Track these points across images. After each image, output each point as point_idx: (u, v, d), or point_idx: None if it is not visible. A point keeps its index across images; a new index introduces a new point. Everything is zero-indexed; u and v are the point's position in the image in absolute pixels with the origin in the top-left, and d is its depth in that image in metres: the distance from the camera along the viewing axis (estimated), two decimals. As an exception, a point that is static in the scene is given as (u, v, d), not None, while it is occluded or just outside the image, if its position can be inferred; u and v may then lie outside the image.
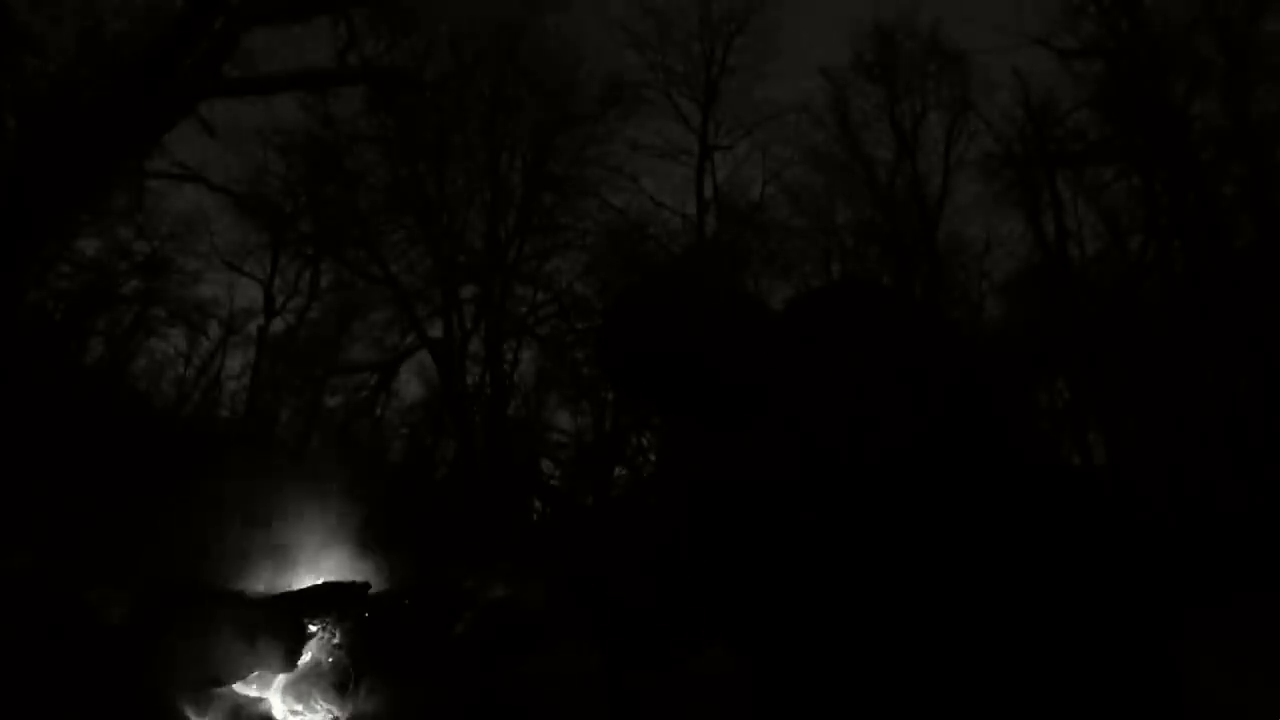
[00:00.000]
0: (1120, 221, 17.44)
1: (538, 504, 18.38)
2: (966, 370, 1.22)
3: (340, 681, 6.66)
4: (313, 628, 6.77)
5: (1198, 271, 14.86)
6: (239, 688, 6.34)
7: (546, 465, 19.30)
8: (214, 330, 18.89)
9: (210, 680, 6.05)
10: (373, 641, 6.89)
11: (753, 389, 1.19)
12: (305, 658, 6.71)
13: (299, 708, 6.55)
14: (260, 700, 6.45)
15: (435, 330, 16.43)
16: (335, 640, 6.84)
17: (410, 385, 26.34)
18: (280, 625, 6.64)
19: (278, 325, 18.57)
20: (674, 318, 1.26)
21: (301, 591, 7.14)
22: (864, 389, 1.12)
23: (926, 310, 1.27)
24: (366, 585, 7.40)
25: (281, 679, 6.60)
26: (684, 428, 1.31)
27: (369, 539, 7.98)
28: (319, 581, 7.32)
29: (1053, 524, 1.05)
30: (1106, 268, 17.90)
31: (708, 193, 18.66)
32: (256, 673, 6.47)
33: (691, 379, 1.24)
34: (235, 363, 19.58)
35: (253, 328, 18.73)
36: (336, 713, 6.57)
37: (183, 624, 5.94)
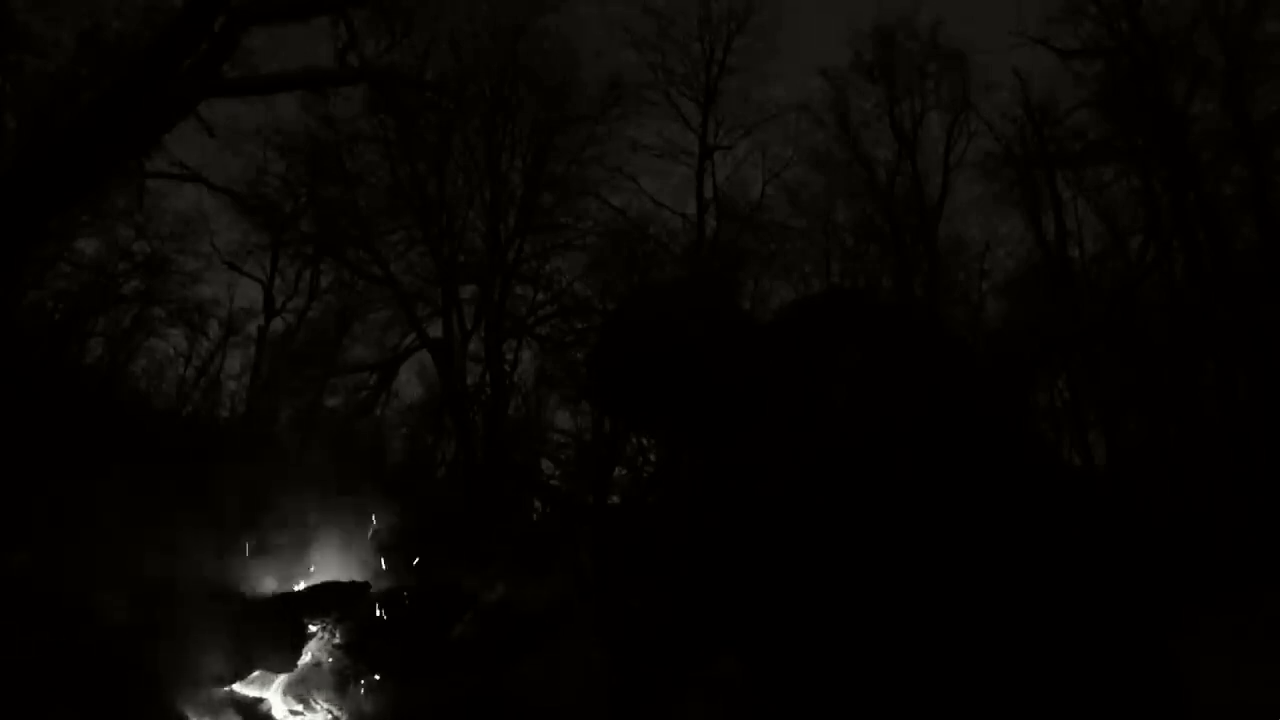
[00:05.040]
0: (1120, 221, 17.45)
1: (538, 504, 18.38)
2: (962, 371, 1.22)
3: (340, 681, 6.66)
4: (313, 628, 6.77)
5: (1198, 271, 14.85)
6: (239, 688, 6.34)
7: (546, 465, 19.31)
8: (214, 330, 18.91)
9: (210, 680, 6.05)
10: (373, 641, 6.89)
11: (748, 398, 1.19)
12: (305, 658, 6.71)
13: (299, 708, 6.55)
14: (260, 700, 6.45)
15: (435, 330, 16.46)
16: (335, 640, 6.84)
17: (410, 385, 26.37)
18: (280, 625, 6.64)
19: (278, 325, 18.60)
20: (667, 333, 1.26)
21: (301, 591, 7.15)
22: (859, 387, 1.12)
23: (920, 313, 1.27)
24: (366, 585, 7.40)
25: (281, 679, 6.60)
26: (680, 443, 1.31)
27: (369, 539, 7.98)
28: (319, 581, 7.32)
29: (1052, 524, 1.05)
30: (1106, 268, 17.91)
31: (708, 193, 18.68)
32: (256, 673, 6.48)
33: (686, 393, 1.24)
34: (235, 363, 19.61)
35: (253, 328, 18.76)
36: (336, 713, 6.57)
37: (183, 624, 5.94)
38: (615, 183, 18.53)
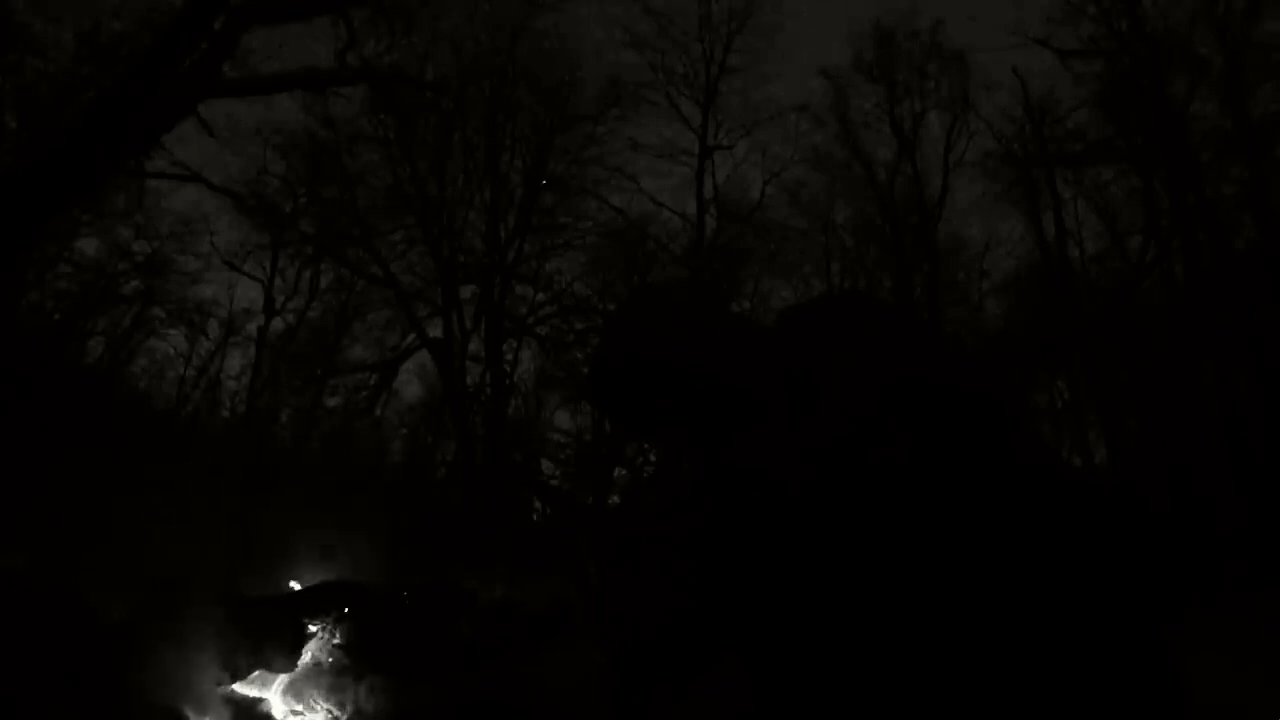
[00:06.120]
0: (1120, 221, 17.45)
1: (538, 504, 18.37)
2: (958, 372, 1.22)
3: (340, 682, 6.67)
4: (313, 628, 6.78)
5: (1198, 271, 14.84)
6: (239, 688, 6.35)
7: (546, 465, 19.28)
8: (214, 330, 18.89)
9: (210, 680, 6.06)
10: (373, 641, 6.89)
11: (747, 400, 1.20)
12: (305, 658, 6.72)
13: (299, 708, 6.55)
14: (260, 700, 6.45)
15: (435, 330, 16.45)
16: (335, 640, 6.84)
17: (410, 385, 26.37)
18: (280, 625, 6.65)
19: (278, 325, 18.59)
20: (666, 336, 1.27)
21: (301, 591, 7.16)
22: (854, 389, 1.12)
23: (916, 315, 1.28)
24: (366, 585, 7.41)
25: (281, 679, 6.60)
26: (680, 444, 1.32)
27: (369, 539, 7.98)
28: (319, 581, 7.32)
29: (1050, 523, 1.05)
30: (1106, 268, 17.90)
31: (708, 193, 18.66)
32: (256, 673, 6.48)
33: (686, 394, 1.24)
34: (235, 363, 19.58)
35: (253, 328, 18.75)
36: (336, 713, 6.57)
37: (183, 624, 5.95)
38: (615, 183, 18.53)
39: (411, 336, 17.44)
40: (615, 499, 16.59)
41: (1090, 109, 17.05)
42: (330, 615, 6.87)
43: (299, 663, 6.66)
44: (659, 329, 1.24)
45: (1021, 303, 18.93)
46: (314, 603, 6.92)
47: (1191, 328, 14.47)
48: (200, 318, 18.60)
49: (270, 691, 6.54)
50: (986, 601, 0.96)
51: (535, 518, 17.89)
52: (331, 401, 18.77)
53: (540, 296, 18.12)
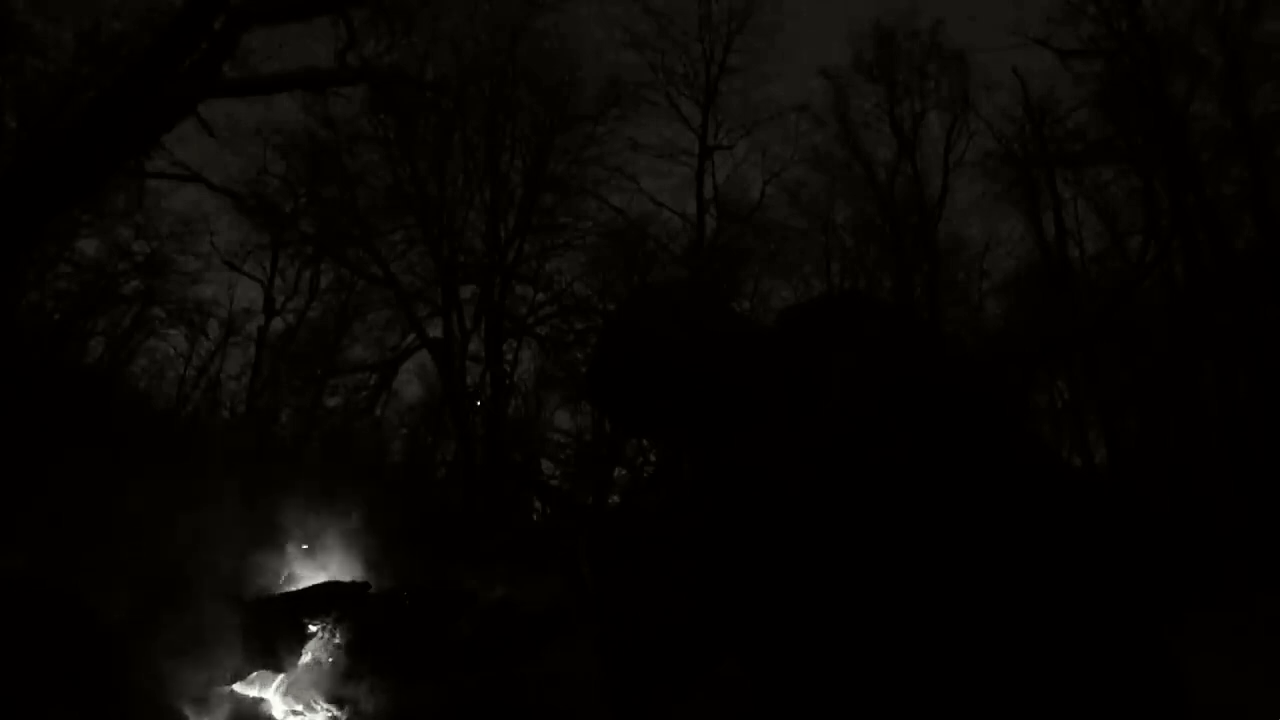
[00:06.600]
0: (1120, 221, 17.46)
1: (538, 504, 18.38)
2: (957, 372, 1.22)
3: (340, 682, 6.67)
4: (313, 628, 6.78)
5: (1198, 271, 14.84)
6: (239, 688, 6.34)
7: (546, 465, 19.29)
8: (214, 330, 18.90)
9: (210, 680, 6.06)
10: (373, 641, 6.89)
11: (747, 400, 1.20)
12: (305, 658, 6.72)
13: (299, 708, 6.55)
14: (260, 700, 6.45)
15: (435, 330, 16.48)
16: (335, 640, 6.85)
17: (410, 385, 26.38)
18: (280, 625, 6.65)
19: (278, 325, 18.60)
20: (665, 336, 1.27)
21: (301, 591, 7.15)
22: (854, 389, 1.12)
23: (915, 315, 1.29)
24: (366, 585, 7.41)
25: (281, 679, 6.60)
26: (680, 444, 1.33)
27: (369, 539, 7.98)
28: (319, 581, 7.32)
29: (1050, 523, 1.05)
30: (1106, 268, 17.91)
31: (708, 193, 18.66)
32: (256, 673, 6.48)
33: (685, 394, 1.24)
34: (235, 363, 19.59)
35: (253, 328, 18.75)
36: (336, 713, 6.57)
37: (183, 624, 5.95)
38: (615, 183, 18.54)
39: (411, 336, 17.48)
40: (615, 499, 16.59)
41: (1090, 109, 17.06)
42: (330, 615, 6.87)
43: (299, 663, 6.66)
44: (659, 329, 1.24)
45: (1021, 303, 18.94)
46: (314, 603, 6.92)
47: (1191, 328, 14.46)
48: (200, 318, 18.62)
49: (270, 691, 6.53)
50: (986, 601, 0.96)
51: (535, 518, 17.90)
52: (331, 401, 18.80)
53: (540, 296, 18.17)
